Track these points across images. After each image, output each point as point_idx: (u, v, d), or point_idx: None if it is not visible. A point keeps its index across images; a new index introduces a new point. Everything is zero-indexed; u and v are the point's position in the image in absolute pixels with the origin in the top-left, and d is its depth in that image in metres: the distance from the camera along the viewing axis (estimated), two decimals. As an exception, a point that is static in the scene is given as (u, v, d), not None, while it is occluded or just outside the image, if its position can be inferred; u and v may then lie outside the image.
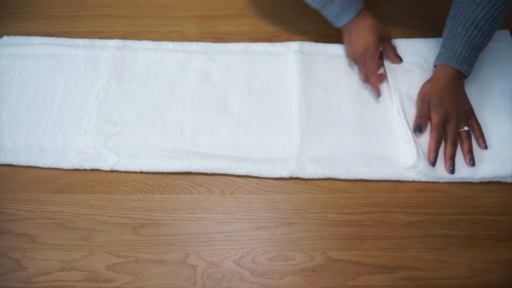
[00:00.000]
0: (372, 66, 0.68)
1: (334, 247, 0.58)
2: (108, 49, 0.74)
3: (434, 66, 0.68)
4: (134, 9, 0.82)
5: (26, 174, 0.64)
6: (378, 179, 0.62)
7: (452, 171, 0.61)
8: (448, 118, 0.63)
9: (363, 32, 0.67)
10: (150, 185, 0.63)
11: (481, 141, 0.63)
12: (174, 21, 0.80)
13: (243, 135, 0.66)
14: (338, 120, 0.67)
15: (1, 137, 0.66)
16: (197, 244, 0.58)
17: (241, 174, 0.63)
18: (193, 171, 0.63)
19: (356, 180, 0.63)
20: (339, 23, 0.68)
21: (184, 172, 0.64)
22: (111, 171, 0.64)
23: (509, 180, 0.62)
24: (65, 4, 0.82)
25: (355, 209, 0.61)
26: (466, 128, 0.63)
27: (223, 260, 0.57)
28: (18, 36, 0.77)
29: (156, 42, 0.76)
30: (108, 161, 0.63)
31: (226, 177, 0.64)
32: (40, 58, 0.73)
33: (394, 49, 0.72)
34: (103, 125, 0.67)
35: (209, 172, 0.63)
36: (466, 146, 0.63)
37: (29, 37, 0.77)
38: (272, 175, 0.63)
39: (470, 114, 0.65)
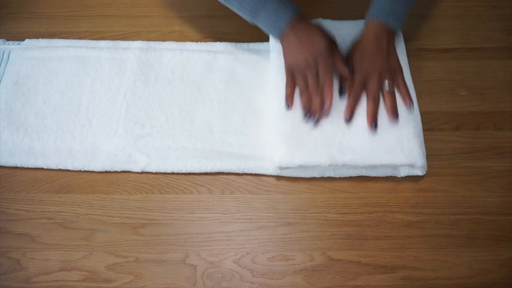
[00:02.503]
0: (329, 77, 0.62)
1: (334, 247, 0.58)
2: (132, 50, 0.74)
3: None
4: (134, 9, 0.82)
5: (26, 174, 0.64)
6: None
7: (375, 127, 0.61)
8: (369, 77, 0.62)
9: (311, 37, 0.62)
10: (150, 185, 0.63)
11: (407, 98, 0.63)
12: (174, 21, 0.80)
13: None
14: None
15: (30, 140, 0.65)
16: (197, 244, 0.58)
17: (273, 174, 0.63)
18: (225, 171, 0.63)
19: (356, 180, 0.63)
20: (276, 30, 0.63)
21: (184, 172, 0.64)
22: (141, 172, 0.64)
23: (402, 174, 0.62)
24: (65, 4, 0.82)
25: (355, 209, 0.61)
26: (387, 85, 0.62)
27: (223, 260, 0.57)
28: (40, 39, 0.76)
29: (179, 43, 0.76)
30: (139, 163, 0.63)
31: (226, 177, 0.64)
32: (65, 61, 0.73)
33: (343, 56, 0.65)
34: (131, 126, 0.67)
35: (241, 173, 0.63)
36: (388, 101, 0.62)
37: (51, 39, 0.76)
38: (304, 175, 0.63)
39: (396, 72, 0.64)
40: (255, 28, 0.68)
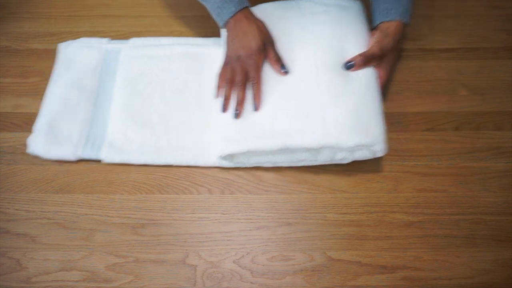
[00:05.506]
0: (257, 75, 0.63)
1: (334, 247, 0.58)
2: None
3: (377, 24, 0.65)
4: (134, 9, 0.82)
5: (26, 174, 0.64)
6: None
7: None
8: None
9: (246, 35, 0.63)
10: (150, 185, 0.63)
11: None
12: (174, 21, 0.80)
13: None
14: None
15: (157, 138, 0.65)
16: (197, 244, 0.58)
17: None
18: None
19: (356, 180, 0.63)
20: (220, 20, 0.65)
21: (184, 172, 0.64)
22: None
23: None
24: (65, 4, 0.82)
25: (355, 209, 0.61)
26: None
27: (223, 260, 0.57)
28: (145, 37, 0.76)
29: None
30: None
31: (226, 177, 0.64)
32: (174, 59, 0.72)
33: (277, 55, 0.64)
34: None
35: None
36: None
37: (157, 38, 0.76)
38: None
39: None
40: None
